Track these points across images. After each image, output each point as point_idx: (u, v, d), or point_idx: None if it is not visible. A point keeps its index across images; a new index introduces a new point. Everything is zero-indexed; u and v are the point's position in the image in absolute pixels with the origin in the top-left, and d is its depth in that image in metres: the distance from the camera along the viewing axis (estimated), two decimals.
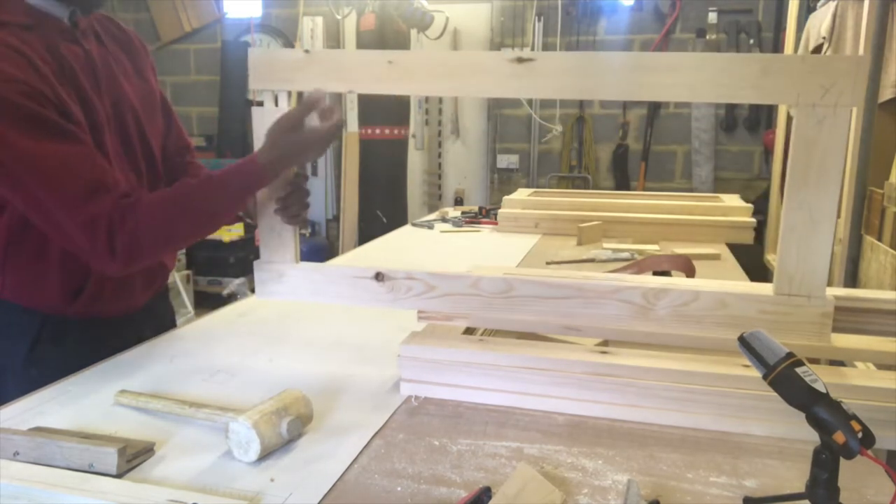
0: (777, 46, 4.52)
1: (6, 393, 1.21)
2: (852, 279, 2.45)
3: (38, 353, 1.25)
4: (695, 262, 1.77)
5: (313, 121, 1.14)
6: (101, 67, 1.24)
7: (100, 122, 1.19)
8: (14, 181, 1.07)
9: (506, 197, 2.76)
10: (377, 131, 4.79)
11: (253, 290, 1.30)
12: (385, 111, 4.78)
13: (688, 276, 1.69)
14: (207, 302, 4.67)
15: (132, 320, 1.38)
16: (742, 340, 0.78)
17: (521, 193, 2.93)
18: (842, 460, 0.69)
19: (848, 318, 1.09)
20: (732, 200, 2.60)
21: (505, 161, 5.23)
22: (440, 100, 5.26)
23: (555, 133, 5.05)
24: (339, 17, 5.07)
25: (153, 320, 1.44)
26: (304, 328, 1.44)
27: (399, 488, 0.83)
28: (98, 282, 1.25)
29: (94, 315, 1.30)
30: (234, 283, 4.10)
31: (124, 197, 1.10)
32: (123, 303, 1.34)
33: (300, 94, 1.18)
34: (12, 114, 1.03)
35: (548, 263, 2.02)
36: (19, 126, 1.04)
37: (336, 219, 5.49)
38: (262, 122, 1.19)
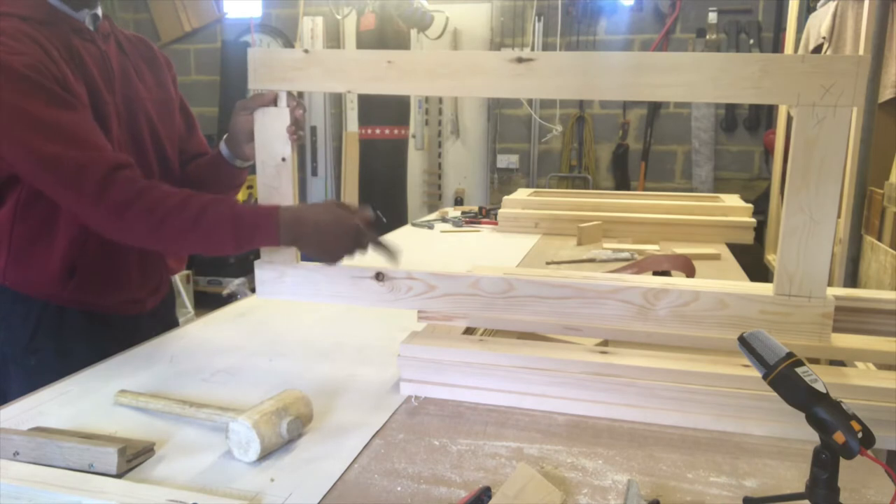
0: (777, 46, 4.52)
1: (8, 382, 1.26)
2: (852, 279, 2.45)
3: (38, 343, 1.27)
4: (695, 262, 1.77)
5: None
6: (117, 68, 1.31)
7: (107, 112, 1.25)
8: (15, 140, 1.10)
9: (506, 197, 2.76)
10: (377, 131, 4.79)
11: (253, 290, 1.30)
12: (385, 111, 4.78)
13: (688, 276, 1.69)
14: (207, 302, 4.67)
15: (138, 324, 1.39)
16: (742, 340, 0.78)
17: (521, 193, 2.93)
18: (842, 460, 0.69)
19: (848, 318, 1.09)
20: (732, 200, 2.60)
21: (505, 161, 5.23)
22: (440, 100, 5.26)
23: (555, 133, 5.04)
24: (339, 17, 5.07)
25: (159, 327, 1.45)
26: (304, 328, 1.44)
27: (399, 488, 0.83)
28: (89, 257, 1.27)
29: (94, 307, 1.31)
30: (234, 283, 4.09)
31: (126, 164, 1.14)
32: (121, 296, 1.34)
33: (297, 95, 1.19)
34: (17, 81, 1.09)
35: (548, 263, 2.02)
36: (24, 93, 1.09)
37: None
38: (264, 122, 1.19)
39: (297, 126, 1.20)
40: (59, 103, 1.12)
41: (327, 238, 1.16)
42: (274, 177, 1.21)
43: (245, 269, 4.94)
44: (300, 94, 1.24)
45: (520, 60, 1.06)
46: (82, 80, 1.20)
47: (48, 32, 1.18)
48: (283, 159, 1.20)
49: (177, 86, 1.47)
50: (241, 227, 1.14)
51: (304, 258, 1.24)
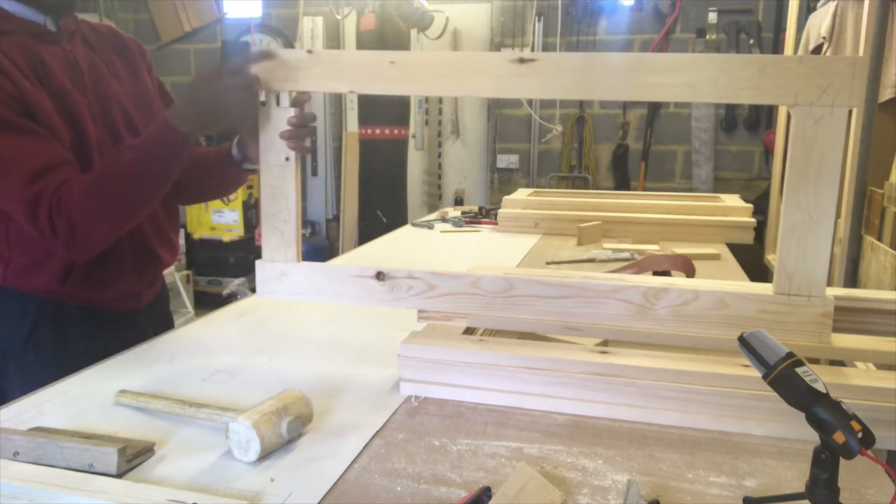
0: (777, 47, 4.53)
1: (7, 379, 1.26)
2: (852, 279, 2.45)
3: (36, 339, 1.28)
4: (695, 262, 1.77)
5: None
6: (86, 67, 1.29)
7: (79, 112, 1.24)
8: None
9: (506, 197, 2.76)
10: (377, 131, 4.80)
11: (253, 290, 1.30)
12: (385, 111, 4.79)
13: (688, 276, 1.69)
14: (207, 302, 4.67)
15: (135, 319, 1.40)
16: (742, 340, 0.78)
17: (521, 193, 2.92)
18: (842, 460, 0.69)
19: (848, 318, 1.09)
20: (732, 200, 2.60)
21: (505, 161, 5.23)
22: (440, 100, 5.26)
23: (555, 133, 5.05)
24: (339, 17, 5.07)
25: (155, 321, 1.46)
26: (304, 328, 1.44)
27: (399, 488, 0.83)
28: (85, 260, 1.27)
29: (92, 302, 1.32)
30: (234, 283, 4.11)
31: (65, 181, 1.14)
32: (117, 290, 1.35)
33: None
34: None
35: (548, 263, 2.02)
36: None
37: (336, 219, 5.49)
38: (268, 122, 1.19)
39: (292, 134, 1.15)
40: (8, 128, 1.11)
41: (221, 95, 1.12)
42: (278, 176, 1.21)
43: (245, 269, 4.95)
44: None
45: (522, 61, 1.06)
46: (46, 88, 1.19)
47: (8, 42, 1.17)
48: (287, 159, 1.19)
49: (152, 72, 1.45)
50: (156, 148, 1.15)
51: (303, 258, 1.24)
